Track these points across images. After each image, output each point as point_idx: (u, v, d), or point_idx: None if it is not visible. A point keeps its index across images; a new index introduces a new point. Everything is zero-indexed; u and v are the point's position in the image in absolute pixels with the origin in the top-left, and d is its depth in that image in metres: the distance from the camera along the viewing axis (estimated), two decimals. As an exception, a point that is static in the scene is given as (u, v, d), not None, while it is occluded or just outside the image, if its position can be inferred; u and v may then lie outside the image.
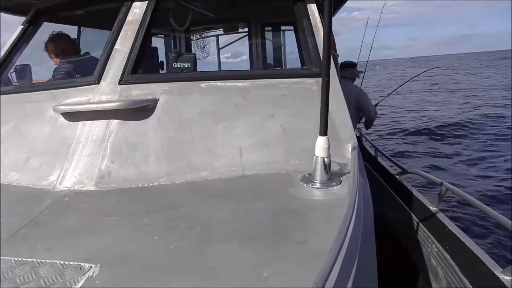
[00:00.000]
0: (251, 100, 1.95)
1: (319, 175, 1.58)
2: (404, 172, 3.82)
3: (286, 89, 1.98)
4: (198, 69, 4.54)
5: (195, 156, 1.82)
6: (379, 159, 4.64)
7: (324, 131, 1.54)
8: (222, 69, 4.85)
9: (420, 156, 10.04)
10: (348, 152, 1.84)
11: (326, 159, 1.56)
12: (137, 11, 2.08)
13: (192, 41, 4.55)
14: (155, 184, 1.77)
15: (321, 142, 1.55)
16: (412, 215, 3.13)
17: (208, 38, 4.66)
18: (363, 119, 4.96)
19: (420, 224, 2.95)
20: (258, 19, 4.07)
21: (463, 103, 19.35)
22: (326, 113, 1.52)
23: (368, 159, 4.77)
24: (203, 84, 1.98)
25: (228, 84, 1.99)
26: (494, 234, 4.94)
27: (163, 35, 4.53)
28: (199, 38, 4.60)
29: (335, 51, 3.81)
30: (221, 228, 1.30)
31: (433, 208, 3.00)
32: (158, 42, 4.44)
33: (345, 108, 1.97)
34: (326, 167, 1.57)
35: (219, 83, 1.98)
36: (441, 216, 2.88)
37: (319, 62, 1.98)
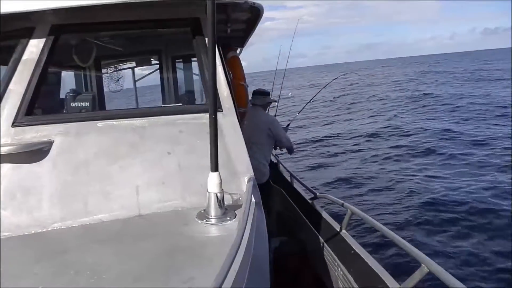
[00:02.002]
0: (147, 138, 1.97)
1: (213, 210, 1.63)
2: (315, 197, 4.03)
3: (183, 125, 2.03)
4: (116, 101, 4.43)
5: (91, 198, 1.80)
6: (295, 184, 4.83)
7: (215, 167, 1.60)
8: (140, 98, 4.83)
9: (338, 175, 10.46)
10: (245, 185, 1.93)
11: (219, 194, 1.61)
12: (33, 49, 1.99)
13: (105, 75, 4.45)
14: (49, 229, 1.71)
15: (213, 178, 1.60)
16: (321, 238, 3.30)
17: (123, 71, 4.60)
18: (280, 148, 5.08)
19: (328, 247, 3.13)
20: (168, 52, 4.12)
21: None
22: (215, 149, 1.58)
23: (284, 185, 4.95)
24: (100, 123, 1.96)
25: (125, 122, 1.99)
26: (395, 252, 5.39)
27: (73, 70, 4.38)
28: (113, 71, 4.52)
29: (244, 81, 3.86)
30: (109, 272, 1.30)
31: (340, 231, 3.19)
32: (68, 77, 4.27)
33: (242, 141, 2.05)
34: (220, 202, 1.63)
35: (115, 122, 1.98)
36: (348, 238, 3.06)
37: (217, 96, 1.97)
